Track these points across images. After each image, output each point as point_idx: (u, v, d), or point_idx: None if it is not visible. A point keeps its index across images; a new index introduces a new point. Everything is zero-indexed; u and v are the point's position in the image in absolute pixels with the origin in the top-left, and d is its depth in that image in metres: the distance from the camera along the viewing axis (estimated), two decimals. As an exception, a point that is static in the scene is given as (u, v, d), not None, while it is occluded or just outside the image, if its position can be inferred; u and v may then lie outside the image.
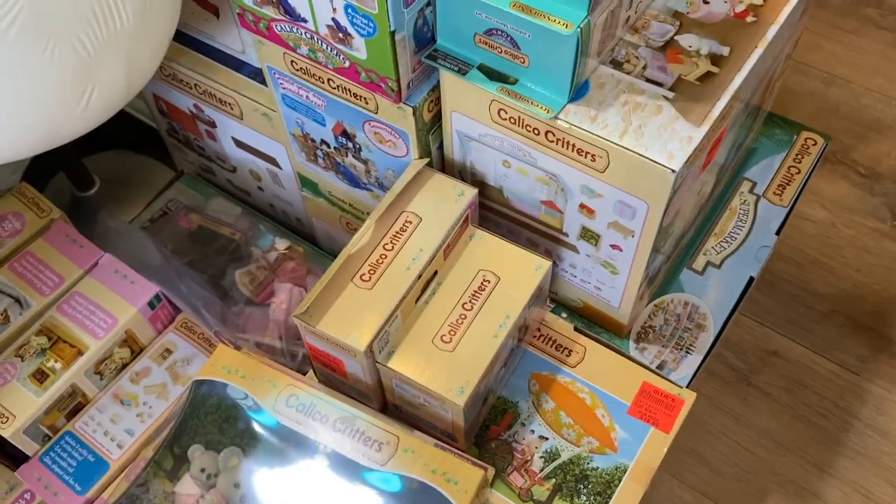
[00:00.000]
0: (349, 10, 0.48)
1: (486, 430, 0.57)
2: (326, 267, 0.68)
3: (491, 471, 0.52)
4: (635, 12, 0.52)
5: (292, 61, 0.57)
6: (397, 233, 0.54)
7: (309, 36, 0.53)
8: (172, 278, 0.64)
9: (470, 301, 0.54)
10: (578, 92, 0.49)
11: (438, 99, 0.55)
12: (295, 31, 0.53)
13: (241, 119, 0.68)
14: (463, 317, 0.53)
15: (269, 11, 0.53)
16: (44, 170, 0.84)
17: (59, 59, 0.45)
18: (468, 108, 0.53)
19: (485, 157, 0.56)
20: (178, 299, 0.64)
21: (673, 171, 0.46)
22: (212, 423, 0.54)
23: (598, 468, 0.55)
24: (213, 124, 0.72)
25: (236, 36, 0.62)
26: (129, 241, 0.68)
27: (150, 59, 0.53)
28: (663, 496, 0.84)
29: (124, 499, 0.53)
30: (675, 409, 0.57)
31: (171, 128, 0.78)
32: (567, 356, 0.59)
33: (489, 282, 0.55)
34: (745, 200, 0.69)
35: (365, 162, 0.61)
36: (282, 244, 0.72)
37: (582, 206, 0.54)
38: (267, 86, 0.62)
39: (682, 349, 0.61)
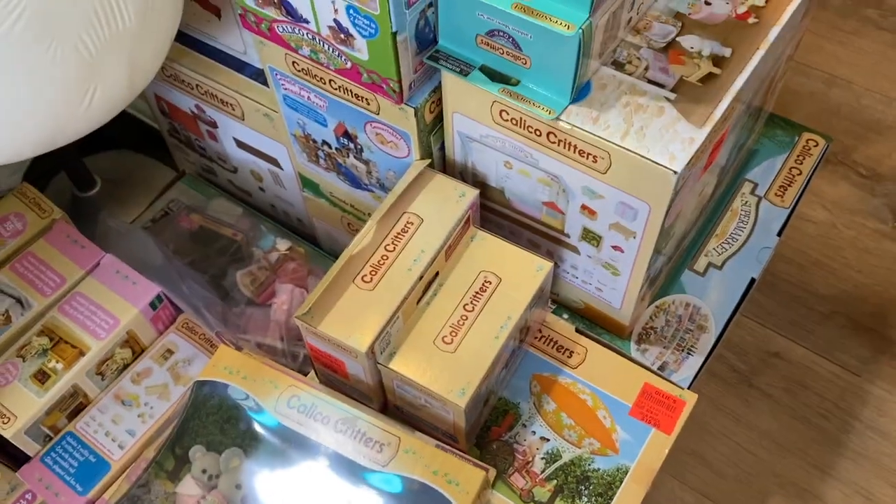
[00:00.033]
0: (351, 11, 0.48)
1: (488, 431, 0.57)
2: (327, 268, 0.68)
3: (492, 472, 0.52)
4: (637, 13, 0.52)
5: (294, 62, 0.57)
6: (399, 234, 0.54)
7: (310, 37, 0.53)
8: (174, 279, 0.64)
9: (471, 302, 0.54)
10: (580, 93, 0.49)
11: (440, 100, 0.55)
12: (297, 31, 0.53)
13: (243, 120, 0.68)
14: (464, 318, 0.53)
15: (271, 12, 0.53)
16: (45, 170, 0.84)
17: (62, 60, 0.45)
18: (470, 109, 0.53)
19: (486, 158, 0.56)
20: (179, 300, 0.64)
21: (675, 172, 0.46)
22: (213, 424, 0.54)
23: (599, 469, 0.55)
24: (214, 125, 0.72)
25: (238, 37, 0.62)
26: (130, 242, 0.68)
27: (152, 60, 0.53)
28: (664, 497, 0.84)
29: (125, 499, 0.53)
30: (677, 410, 0.57)
31: (172, 128, 0.78)
32: (568, 357, 0.59)
33: (490, 283, 0.55)
34: (746, 202, 0.69)
35: (366, 163, 0.61)
36: (283, 245, 0.72)
37: (583, 207, 0.54)
38: (268, 86, 0.62)
39: (683, 350, 0.61)
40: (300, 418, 0.53)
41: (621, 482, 0.55)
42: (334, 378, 0.56)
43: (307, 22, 0.52)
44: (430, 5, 0.50)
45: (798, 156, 0.71)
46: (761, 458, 0.86)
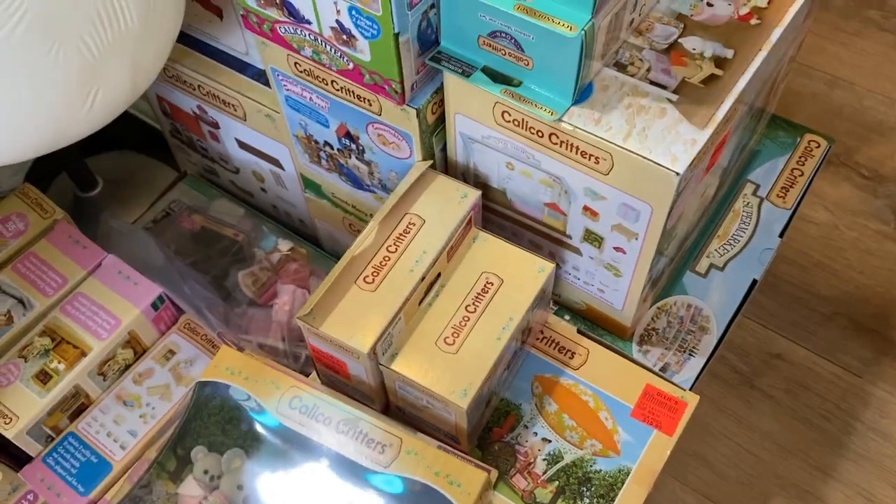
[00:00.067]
0: (353, 13, 0.48)
1: (489, 433, 0.57)
2: (329, 268, 0.68)
3: (494, 473, 0.52)
4: (639, 15, 0.52)
5: (296, 63, 0.57)
6: (400, 235, 0.54)
7: (313, 38, 0.53)
8: (175, 279, 0.64)
9: (473, 303, 0.54)
10: (582, 94, 0.49)
11: (442, 101, 0.55)
12: (299, 32, 0.53)
13: (245, 120, 0.68)
14: (466, 319, 0.53)
15: (273, 13, 0.53)
16: (47, 170, 0.84)
17: (64, 61, 0.46)
18: (472, 110, 0.53)
19: (488, 159, 0.56)
20: (181, 300, 0.64)
21: (677, 173, 0.46)
22: (215, 425, 0.54)
23: (601, 471, 0.55)
24: (216, 125, 0.72)
25: (240, 37, 0.62)
26: (131, 242, 0.68)
27: (154, 61, 0.53)
28: (666, 499, 0.84)
29: (127, 500, 0.53)
30: (679, 411, 0.57)
31: (174, 129, 0.78)
32: (570, 358, 0.59)
33: (492, 284, 0.55)
34: (748, 203, 0.69)
35: (368, 164, 0.61)
36: (285, 245, 0.72)
37: (585, 208, 0.54)
38: (270, 87, 0.62)
39: (685, 352, 0.61)
40: (302, 419, 0.53)
41: (623, 483, 0.54)
42: (336, 379, 0.56)
43: (309, 23, 0.52)
44: (433, 6, 0.50)
45: (800, 157, 0.71)
46: (763, 460, 0.86)
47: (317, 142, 0.63)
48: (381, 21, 0.48)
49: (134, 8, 0.48)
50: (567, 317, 0.64)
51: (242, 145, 0.72)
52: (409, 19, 0.48)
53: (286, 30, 0.54)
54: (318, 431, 0.52)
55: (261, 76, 0.64)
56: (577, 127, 0.48)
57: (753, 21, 0.53)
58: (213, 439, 0.54)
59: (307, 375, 0.59)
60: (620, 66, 0.51)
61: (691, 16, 0.53)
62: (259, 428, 0.53)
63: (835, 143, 0.73)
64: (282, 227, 0.74)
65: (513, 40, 0.48)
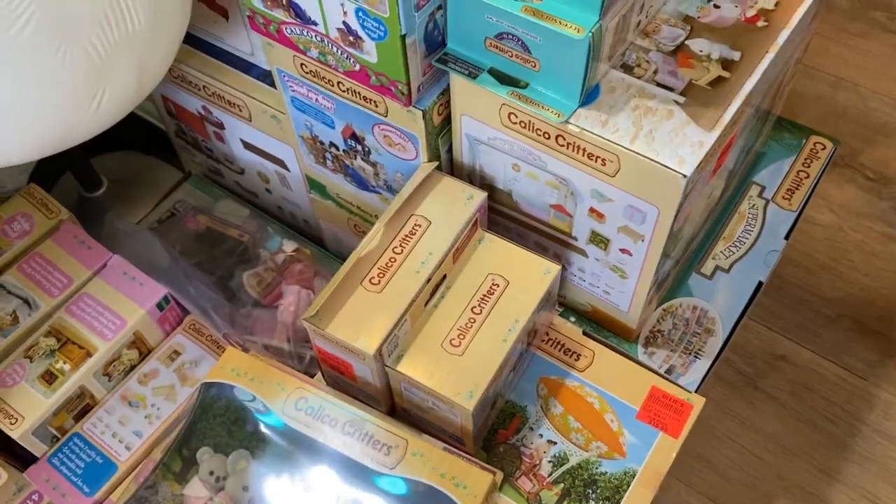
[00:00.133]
0: (360, 14, 0.48)
1: (495, 434, 0.57)
2: (334, 269, 0.68)
3: (499, 475, 0.52)
4: (646, 17, 0.52)
5: (302, 64, 0.57)
6: (406, 236, 0.54)
7: (319, 39, 0.53)
8: (181, 280, 0.64)
9: (479, 305, 0.54)
10: (589, 96, 0.49)
11: (448, 102, 0.55)
12: (305, 34, 0.53)
13: (250, 121, 0.68)
14: (472, 321, 0.53)
15: (280, 14, 0.53)
16: (51, 170, 0.84)
17: (72, 62, 0.46)
18: (478, 111, 0.53)
19: (494, 160, 0.56)
20: (186, 301, 0.64)
21: (684, 176, 0.46)
22: (220, 426, 0.54)
23: (606, 473, 0.55)
24: (221, 126, 0.72)
25: (245, 38, 0.62)
26: (136, 243, 0.68)
27: (160, 62, 0.53)
28: (670, 501, 0.84)
29: (133, 501, 0.53)
30: (684, 413, 0.57)
31: (179, 129, 0.78)
32: (576, 360, 0.59)
33: (498, 286, 0.55)
34: (753, 205, 0.69)
35: (374, 165, 0.61)
36: (289, 246, 0.72)
37: (592, 210, 0.53)
38: (276, 88, 0.62)
39: (690, 354, 0.61)
40: (307, 420, 0.53)
41: (629, 486, 0.54)
42: (342, 380, 0.56)
43: (316, 24, 0.52)
44: (439, 8, 0.50)
45: (806, 159, 0.71)
46: (767, 462, 0.86)
47: (322, 143, 0.63)
48: (388, 22, 0.47)
49: (141, 9, 0.48)
50: (572, 318, 0.64)
51: (247, 146, 0.72)
52: (416, 21, 0.48)
53: (292, 31, 0.54)
54: (323, 433, 0.52)
55: (266, 77, 0.64)
56: (583, 129, 0.48)
57: (760, 23, 0.52)
58: (218, 440, 0.54)
59: (312, 376, 0.59)
60: (627, 68, 0.51)
61: (698, 18, 0.53)
62: (264, 429, 0.53)
63: (840, 144, 0.73)
64: (286, 227, 0.74)
65: (519, 42, 0.47)
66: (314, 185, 0.69)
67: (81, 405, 0.61)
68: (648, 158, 0.47)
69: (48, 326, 0.61)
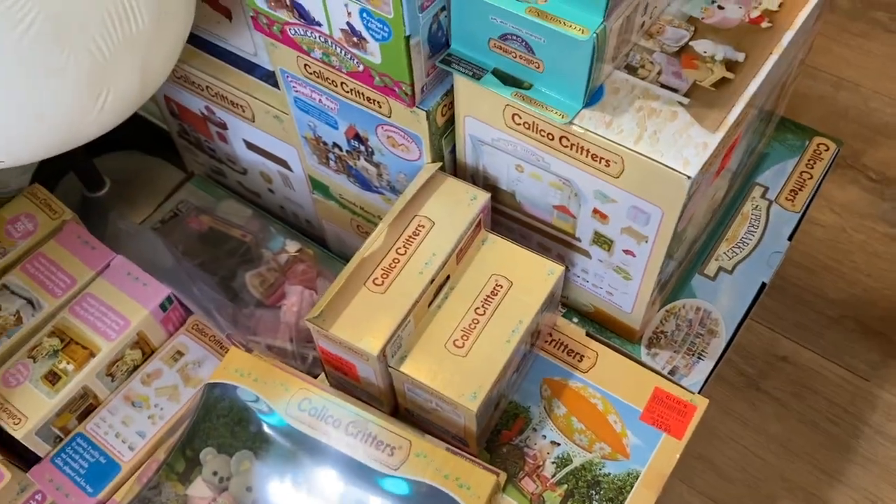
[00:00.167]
0: (364, 15, 0.48)
1: (498, 435, 0.57)
2: (337, 269, 0.68)
3: (503, 476, 0.52)
4: (650, 18, 0.52)
5: (305, 65, 0.57)
6: (410, 237, 0.54)
7: (323, 40, 0.53)
8: (184, 280, 0.64)
9: (482, 306, 0.54)
10: (593, 97, 0.49)
11: (452, 103, 0.55)
12: (309, 34, 0.53)
13: (253, 121, 0.68)
14: (475, 321, 0.53)
15: (283, 15, 0.53)
16: (54, 170, 0.84)
17: (76, 63, 0.46)
18: (482, 112, 0.53)
19: (497, 161, 0.56)
20: (189, 301, 0.64)
21: (688, 177, 0.46)
22: (224, 427, 0.54)
23: (610, 474, 0.55)
24: (224, 126, 0.72)
25: (248, 38, 0.62)
26: (139, 243, 0.68)
27: (164, 63, 0.53)
28: (673, 502, 0.84)
29: (136, 501, 0.53)
30: (688, 415, 0.57)
31: (182, 129, 0.78)
32: (579, 361, 0.59)
33: (501, 286, 0.55)
34: (756, 206, 0.69)
35: (377, 165, 0.61)
36: (292, 246, 0.72)
37: (595, 211, 0.53)
38: (279, 89, 0.62)
39: (693, 355, 0.61)
40: (311, 421, 0.53)
41: (632, 487, 0.54)
42: (345, 381, 0.56)
43: (319, 25, 0.52)
44: (443, 9, 0.50)
45: (809, 160, 0.71)
46: (769, 463, 0.86)
47: (325, 143, 0.63)
48: (392, 23, 0.47)
49: (145, 10, 0.48)
50: (575, 319, 0.64)
51: (250, 146, 0.72)
52: (420, 22, 0.48)
53: (296, 31, 0.54)
54: (327, 433, 0.52)
55: (269, 77, 0.64)
56: (587, 130, 0.48)
57: (764, 24, 0.52)
58: (222, 441, 0.54)
59: (315, 377, 0.59)
60: (631, 69, 0.51)
61: (702, 19, 0.53)
62: (268, 430, 0.53)
63: (843, 145, 0.73)
64: (289, 228, 0.74)
65: (523, 43, 0.47)
66: (317, 185, 0.69)
67: (85, 405, 0.61)
68: (652, 160, 0.47)
69: (52, 327, 0.61)
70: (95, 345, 0.60)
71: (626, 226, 0.53)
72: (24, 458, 0.60)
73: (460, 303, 0.54)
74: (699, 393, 0.59)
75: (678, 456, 0.55)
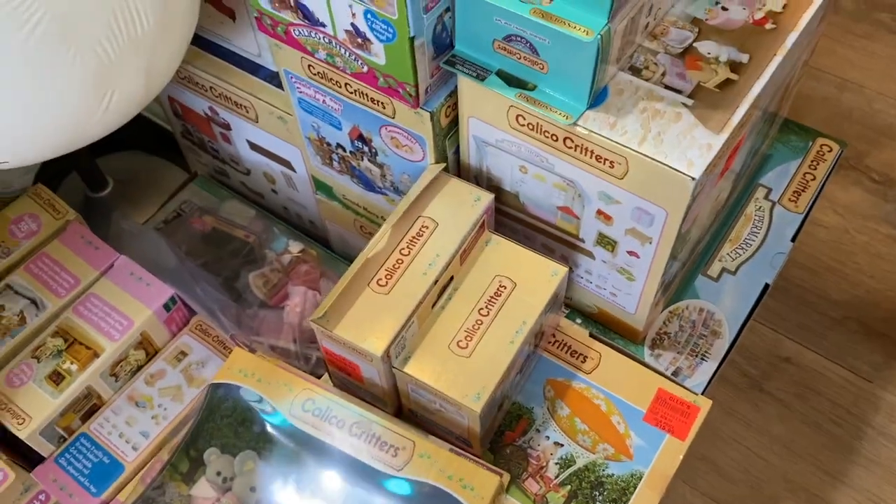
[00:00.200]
0: (369, 16, 0.48)
1: (501, 436, 0.57)
2: (340, 270, 0.68)
3: (507, 477, 0.52)
4: (654, 19, 0.52)
5: (310, 65, 0.57)
6: (413, 238, 0.54)
7: (327, 41, 0.53)
8: (188, 281, 0.64)
9: (486, 307, 0.54)
10: (597, 98, 0.49)
11: (456, 104, 0.55)
12: (313, 35, 0.53)
13: (257, 122, 0.68)
14: (479, 322, 0.53)
15: (288, 16, 0.53)
16: (57, 170, 0.84)
17: (82, 63, 0.46)
18: (486, 113, 0.53)
19: (501, 162, 0.56)
20: (193, 302, 0.64)
21: (693, 178, 0.46)
22: (227, 427, 0.54)
23: (613, 475, 0.55)
24: (227, 127, 0.72)
25: (252, 39, 0.62)
26: (143, 243, 0.68)
27: (168, 63, 0.53)
28: (675, 503, 0.84)
29: (140, 501, 0.53)
30: (691, 416, 0.57)
31: (185, 130, 0.78)
32: (582, 362, 0.59)
33: (505, 287, 0.55)
34: (760, 207, 0.69)
35: (380, 166, 0.61)
36: (295, 247, 0.72)
37: (599, 212, 0.53)
38: (283, 89, 0.62)
39: (697, 356, 0.61)
40: (315, 421, 0.53)
41: (635, 488, 0.54)
42: (349, 381, 0.56)
43: (324, 26, 0.52)
44: (448, 10, 0.50)
45: (812, 161, 0.71)
46: (772, 464, 0.86)
47: (329, 144, 0.63)
48: (397, 25, 0.48)
49: (150, 11, 0.48)
50: (578, 320, 0.64)
51: (254, 147, 0.72)
52: (425, 23, 0.48)
53: (300, 32, 0.54)
54: (330, 434, 0.52)
55: (273, 78, 0.64)
56: (592, 131, 0.48)
57: (768, 25, 0.52)
58: (225, 441, 0.54)
59: (318, 377, 0.59)
60: (635, 70, 0.51)
61: (706, 20, 0.53)
62: (271, 430, 0.53)
63: (847, 147, 0.73)
64: (292, 228, 0.74)
65: (528, 44, 0.47)
66: (320, 186, 0.69)
67: (88, 405, 0.61)
68: (657, 161, 0.47)
69: (55, 327, 0.61)
70: (99, 345, 0.60)
71: (629, 227, 0.53)
72: (27, 458, 0.60)
73: (464, 304, 0.54)
74: (702, 394, 0.59)
75: (682, 457, 0.55)
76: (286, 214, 0.79)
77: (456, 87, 0.53)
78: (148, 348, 0.63)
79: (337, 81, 0.56)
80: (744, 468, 0.86)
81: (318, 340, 0.54)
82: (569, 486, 0.55)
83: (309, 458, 0.52)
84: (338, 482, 0.51)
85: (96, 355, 0.60)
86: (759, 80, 0.50)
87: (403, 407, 0.57)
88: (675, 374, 0.60)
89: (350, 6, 0.49)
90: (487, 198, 0.56)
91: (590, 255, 0.58)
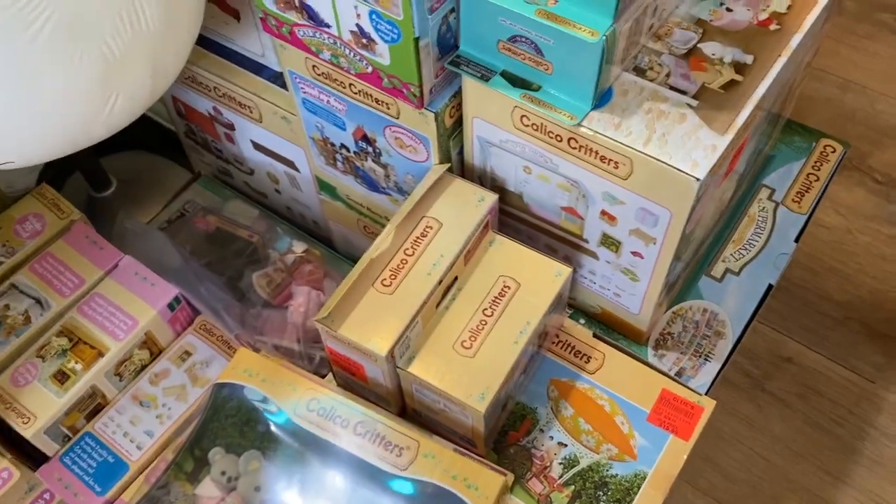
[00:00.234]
0: (373, 17, 0.48)
1: (505, 436, 0.57)
2: (343, 270, 0.69)
3: (511, 476, 0.52)
4: (658, 20, 0.52)
5: (314, 66, 0.57)
6: (418, 238, 0.55)
7: (332, 41, 0.53)
8: (192, 280, 0.64)
9: (490, 307, 0.54)
10: (602, 99, 0.49)
11: (460, 104, 0.55)
12: (318, 36, 0.53)
13: (260, 122, 0.68)
14: (483, 323, 0.53)
15: (292, 16, 0.53)
16: (60, 170, 0.84)
17: (88, 63, 0.46)
18: (490, 114, 0.53)
19: (505, 162, 0.56)
20: (197, 301, 0.64)
21: (697, 179, 0.46)
22: (232, 426, 0.54)
23: (617, 475, 0.55)
24: (231, 127, 0.72)
25: (256, 39, 0.63)
26: (147, 243, 0.68)
27: (173, 63, 0.53)
28: (678, 503, 0.84)
29: (145, 501, 0.53)
30: (695, 416, 0.57)
31: (189, 130, 0.79)
32: (586, 363, 0.59)
33: (509, 288, 0.55)
34: (763, 207, 0.69)
35: (384, 166, 0.61)
36: (299, 247, 0.72)
37: (603, 212, 0.54)
38: (287, 89, 0.62)
39: (700, 356, 0.61)
40: (319, 421, 0.53)
41: (639, 488, 0.54)
42: (353, 381, 0.57)
43: (329, 26, 0.52)
44: (452, 11, 0.50)
45: (815, 162, 0.71)
46: (774, 464, 0.86)
47: (333, 144, 0.63)
48: (402, 25, 0.48)
49: (155, 11, 0.48)
50: (582, 321, 0.64)
51: (257, 147, 0.72)
52: (430, 23, 0.48)
53: (305, 33, 0.54)
54: (335, 434, 0.52)
55: (277, 78, 0.64)
56: (596, 132, 0.48)
57: (773, 26, 0.53)
58: (230, 441, 0.54)
59: (322, 377, 0.59)
60: (640, 71, 0.51)
61: (710, 21, 0.53)
62: (276, 429, 0.53)
63: (850, 147, 0.73)
64: (296, 228, 0.75)
65: (533, 45, 0.48)
66: (324, 186, 0.70)
67: (93, 405, 0.61)
68: (661, 161, 0.47)
69: (60, 326, 0.61)
70: (104, 344, 0.60)
71: (634, 227, 0.53)
72: (32, 458, 0.60)
73: (468, 304, 0.54)
74: (706, 394, 0.59)
75: (685, 457, 0.55)
76: (290, 214, 0.79)
77: (460, 87, 0.54)
78: (152, 348, 0.63)
79: (341, 82, 0.56)
80: (745, 468, 0.86)
81: (323, 340, 0.54)
82: (572, 487, 0.55)
83: (313, 458, 0.52)
84: (342, 482, 0.51)
85: (101, 355, 0.60)
86: (764, 81, 0.50)
87: (407, 407, 0.57)
88: (678, 374, 0.60)
89: (355, 7, 0.49)
90: (491, 198, 0.56)
91: (593, 255, 0.58)
